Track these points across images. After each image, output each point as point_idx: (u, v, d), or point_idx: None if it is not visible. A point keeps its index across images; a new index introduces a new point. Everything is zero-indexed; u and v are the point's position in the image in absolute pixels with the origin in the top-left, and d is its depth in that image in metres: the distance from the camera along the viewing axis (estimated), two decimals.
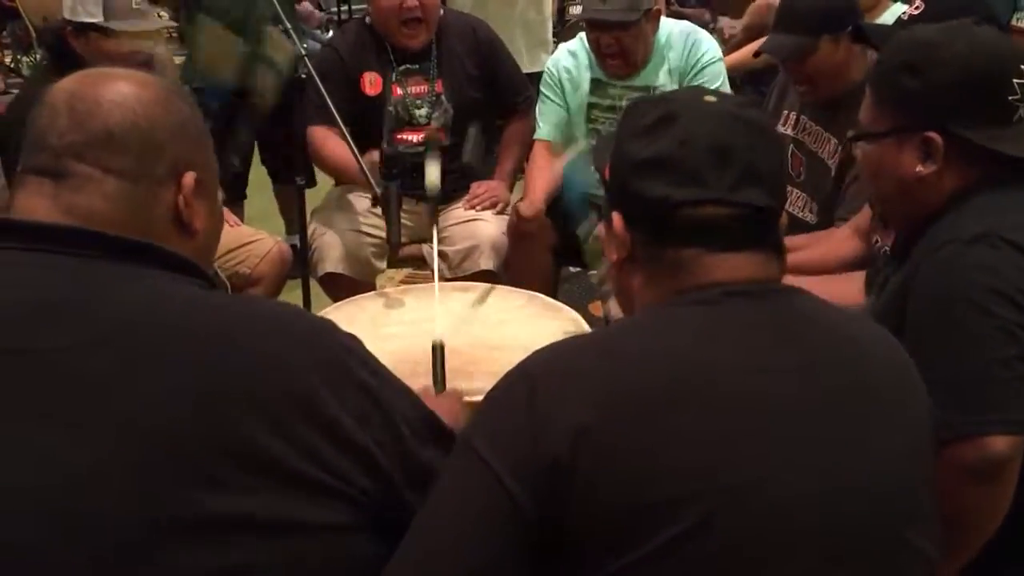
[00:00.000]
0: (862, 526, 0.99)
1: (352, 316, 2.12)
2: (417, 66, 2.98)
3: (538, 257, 2.96)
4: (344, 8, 8.15)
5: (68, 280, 0.98)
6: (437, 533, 0.98)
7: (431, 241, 3.02)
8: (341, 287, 2.85)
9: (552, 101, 2.99)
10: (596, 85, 2.96)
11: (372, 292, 2.50)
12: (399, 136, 2.97)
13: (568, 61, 2.99)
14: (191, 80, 3.51)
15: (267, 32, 3.51)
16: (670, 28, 2.94)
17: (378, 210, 2.63)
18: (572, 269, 3.83)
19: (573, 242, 2.95)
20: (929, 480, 1.08)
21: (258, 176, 4.05)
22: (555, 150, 2.99)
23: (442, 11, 3.05)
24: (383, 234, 2.79)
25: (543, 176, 2.93)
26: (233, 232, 2.98)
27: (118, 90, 1.08)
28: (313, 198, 3.18)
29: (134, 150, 1.06)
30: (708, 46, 2.94)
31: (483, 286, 2.39)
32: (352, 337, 1.06)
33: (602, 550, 0.94)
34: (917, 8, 2.06)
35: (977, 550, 1.34)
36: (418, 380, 1.17)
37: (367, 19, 3.03)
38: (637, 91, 2.91)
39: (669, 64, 2.91)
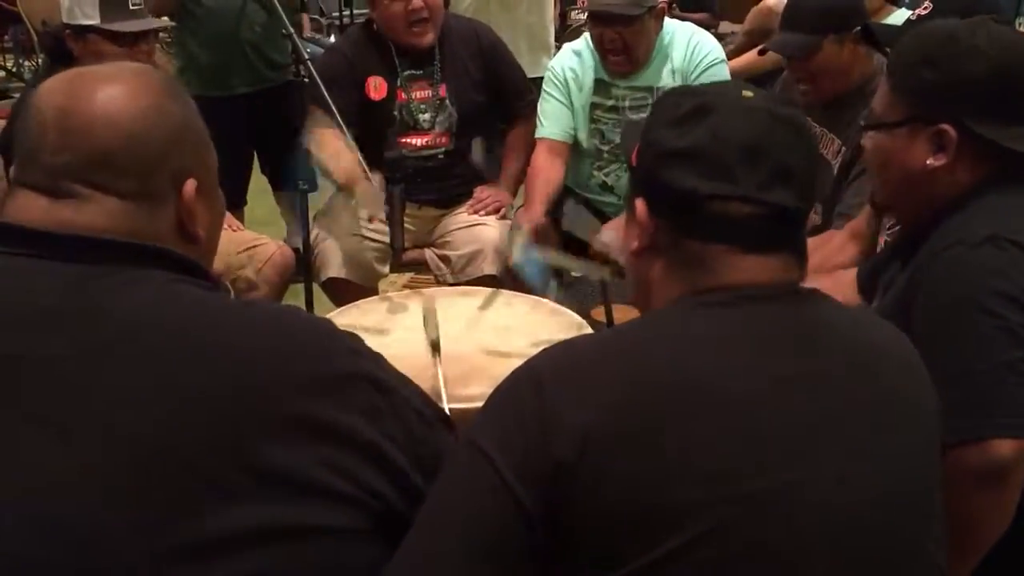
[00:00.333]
0: (882, 536, 0.98)
1: (355, 321, 2.12)
2: (421, 71, 2.99)
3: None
4: (347, 13, 8.15)
5: (68, 286, 0.97)
6: (440, 533, 0.97)
7: (436, 245, 3.04)
8: (344, 292, 2.85)
9: (556, 99, 2.99)
10: (599, 85, 2.96)
11: (375, 297, 2.49)
12: (403, 140, 2.98)
13: (572, 61, 2.99)
14: (188, 86, 3.51)
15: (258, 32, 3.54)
16: (673, 29, 2.95)
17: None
18: (575, 274, 3.83)
19: (576, 245, 2.96)
20: (940, 487, 1.07)
21: (259, 182, 4.04)
22: (558, 149, 2.98)
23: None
24: (386, 239, 2.81)
25: (544, 179, 2.92)
26: (235, 236, 2.97)
27: (109, 100, 1.05)
28: (315, 202, 3.17)
29: (133, 170, 1.04)
30: (711, 47, 2.95)
31: (487, 291, 2.38)
32: (355, 337, 1.06)
33: (607, 554, 0.93)
34: (925, 8, 2.07)
35: (982, 555, 1.34)
36: (422, 385, 1.16)
37: (372, 24, 3.03)
38: (640, 91, 2.92)
39: (672, 64, 2.91)
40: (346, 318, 2.14)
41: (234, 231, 3.03)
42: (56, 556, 0.86)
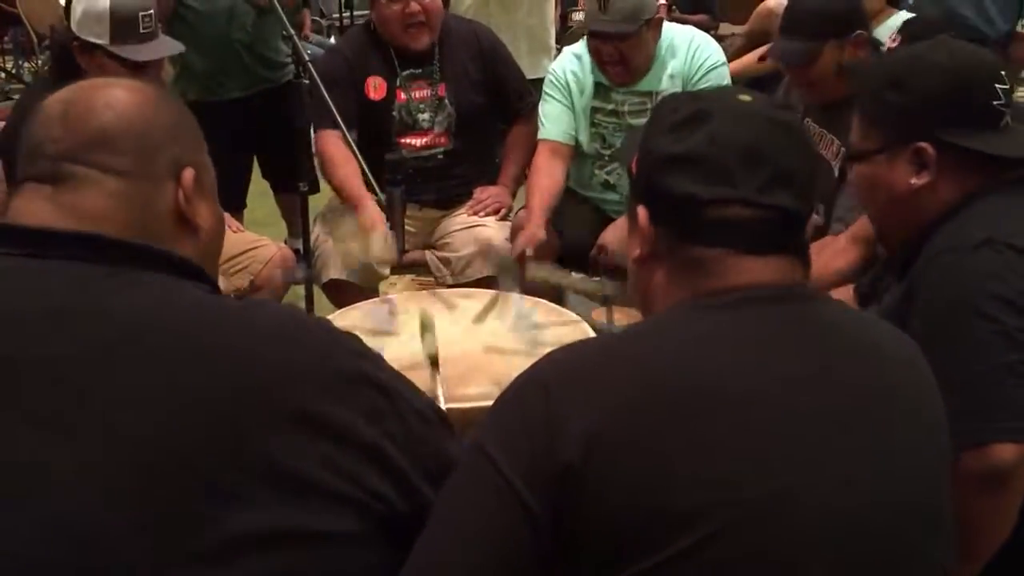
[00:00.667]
0: (886, 539, 0.98)
1: (356, 323, 2.12)
2: (420, 70, 2.99)
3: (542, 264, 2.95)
4: (346, 14, 8.15)
5: (68, 287, 0.97)
6: (448, 538, 0.97)
7: (436, 246, 3.04)
8: (344, 293, 2.85)
9: (557, 101, 2.98)
10: (599, 90, 2.96)
11: (376, 299, 2.50)
12: (403, 141, 2.98)
13: (573, 64, 2.99)
14: (185, 93, 3.51)
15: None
16: (673, 33, 2.94)
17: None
18: (575, 275, 3.83)
19: (576, 249, 2.96)
20: (947, 489, 1.07)
21: (259, 184, 4.04)
22: (560, 150, 2.98)
23: (444, 16, 3.06)
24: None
25: (545, 187, 2.91)
26: (235, 238, 2.97)
27: (110, 94, 1.09)
28: (316, 203, 3.17)
29: (131, 149, 1.07)
30: (711, 50, 2.94)
31: (487, 292, 2.38)
32: (355, 337, 1.06)
33: (614, 557, 0.93)
34: (894, 40, 2.10)
35: (987, 560, 1.34)
36: (422, 387, 1.17)
37: (371, 24, 3.04)
38: (640, 96, 2.92)
39: (672, 69, 2.90)
40: (347, 320, 2.14)
41: (234, 232, 3.03)
42: (57, 556, 0.86)
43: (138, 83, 1.15)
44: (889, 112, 1.49)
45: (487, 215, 3.03)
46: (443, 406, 1.58)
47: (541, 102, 3.03)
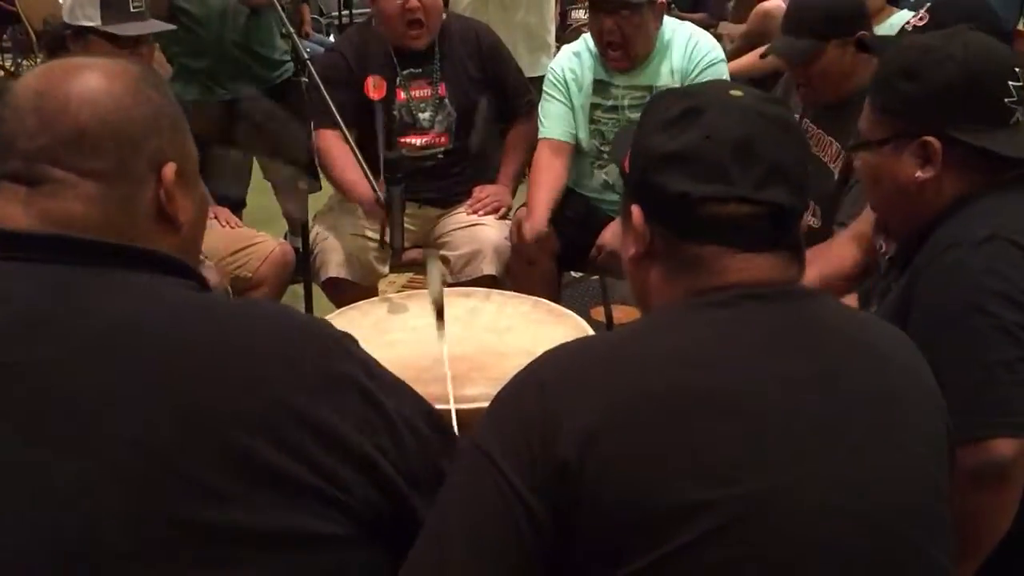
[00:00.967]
0: (883, 538, 0.97)
1: (355, 322, 2.11)
2: (420, 70, 2.99)
3: (541, 263, 2.95)
4: (345, 13, 8.14)
5: (50, 290, 0.95)
6: (448, 538, 0.97)
7: (435, 245, 3.04)
8: (343, 292, 2.85)
9: (557, 100, 2.99)
10: (598, 86, 2.97)
11: (376, 298, 2.49)
12: (403, 140, 2.98)
13: (571, 62, 2.99)
14: (184, 93, 3.51)
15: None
16: (673, 28, 2.96)
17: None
18: (574, 274, 3.84)
19: (575, 248, 2.96)
20: (946, 489, 1.07)
21: (259, 182, 4.04)
22: (560, 149, 2.99)
23: (444, 15, 3.06)
24: (386, 238, 2.80)
25: (547, 182, 2.92)
26: (234, 234, 2.97)
27: (85, 84, 1.03)
28: (316, 201, 3.17)
29: (109, 150, 1.02)
30: (710, 46, 2.96)
31: (487, 291, 2.38)
32: (350, 338, 1.04)
33: (613, 554, 0.93)
34: (921, 20, 2.07)
35: (984, 557, 1.34)
36: (423, 387, 1.16)
37: (372, 22, 3.03)
38: (640, 91, 2.93)
39: (671, 64, 2.92)
40: (346, 319, 2.13)
41: (232, 228, 3.03)
42: (44, 559, 0.85)
43: (115, 64, 1.08)
44: (899, 102, 1.48)
45: (486, 214, 3.03)
46: (452, 406, 1.56)
47: (541, 101, 3.03)
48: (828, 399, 1.01)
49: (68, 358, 0.91)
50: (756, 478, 0.94)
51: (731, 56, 4.01)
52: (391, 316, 2.18)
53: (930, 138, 1.44)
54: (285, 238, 3.90)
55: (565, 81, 2.98)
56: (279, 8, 2.78)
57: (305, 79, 2.69)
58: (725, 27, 4.92)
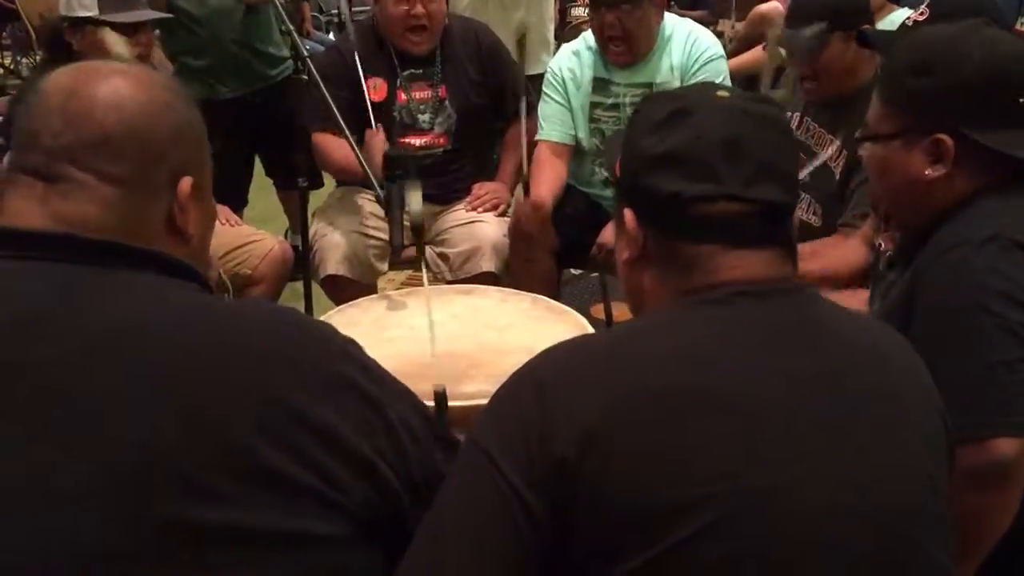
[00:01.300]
0: (883, 537, 0.97)
1: (354, 319, 2.11)
2: (421, 71, 2.99)
3: (540, 260, 2.95)
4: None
5: (57, 289, 0.95)
6: (446, 536, 0.97)
7: (434, 242, 3.03)
8: (342, 289, 2.85)
9: (555, 101, 3.00)
10: (598, 84, 2.97)
11: (374, 295, 2.49)
12: (402, 140, 2.97)
13: (571, 61, 2.99)
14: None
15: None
16: (673, 25, 2.96)
17: (380, 211, 2.63)
18: (574, 271, 3.84)
19: (575, 245, 2.96)
20: (945, 489, 1.06)
21: (259, 180, 4.04)
22: (559, 151, 2.99)
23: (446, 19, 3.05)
24: (385, 235, 2.80)
25: (547, 177, 2.93)
26: (233, 232, 2.97)
27: (114, 89, 1.04)
28: (315, 199, 3.17)
29: (132, 156, 1.03)
30: (709, 43, 2.96)
31: (486, 288, 2.38)
32: (351, 342, 1.04)
33: (612, 552, 0.93)
34: (922, 14, 2.06)
35: (984, 557, 1.33)
36: (422, 384, 1.16)
37: (373, 22, 3.03)
38: (640, 88, 2.92)
39: (671, 60, 2.92)
40: (345, 316, 2.13)
41: (232, 226, 3.02)
42: (49, 559, 0.85)
43: (146, 73, 1.10)
44: (912, 97, 1.45)
45: (485, 211, 3.03)
46: (448, 402, 1.56)
47: (540, 102, 3.04)
48: (835, 398, 1.00)
49: (70, 358, 0.91)
50: (755, 475, 0.94)
51: (729, 56, 4.01)
52: (390, 313, 2.18)
53: (943, 136, 1.42)
54: (285, 236, 3.90)
55: (563, 81, 2.98)
56: (278, 5, 2.77)
57: (305, 75, 2.68)
58: (724, 25, 4.92)
